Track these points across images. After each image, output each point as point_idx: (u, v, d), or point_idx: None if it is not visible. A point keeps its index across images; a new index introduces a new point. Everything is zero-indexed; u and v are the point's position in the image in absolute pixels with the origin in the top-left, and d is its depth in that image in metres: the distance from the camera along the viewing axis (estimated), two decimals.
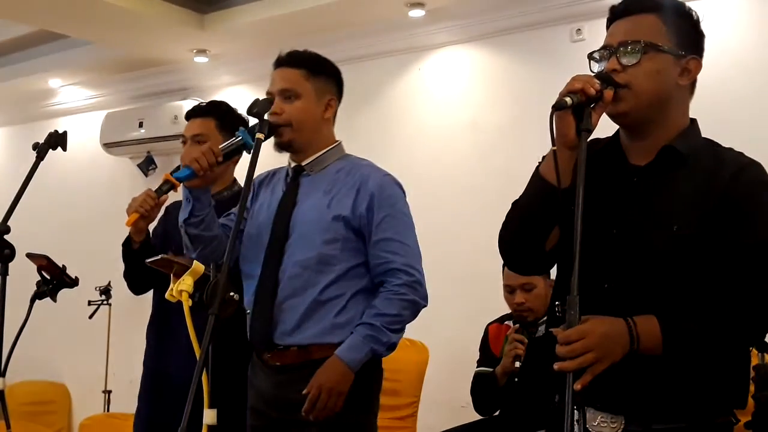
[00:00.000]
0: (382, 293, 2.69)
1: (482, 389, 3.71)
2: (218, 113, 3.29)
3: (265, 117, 2.58)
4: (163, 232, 3.31)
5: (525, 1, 4.71)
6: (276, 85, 2.76)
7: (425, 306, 2.75)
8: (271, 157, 2.79)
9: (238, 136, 2.63)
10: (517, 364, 3.45)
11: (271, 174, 2.95)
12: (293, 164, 2.84)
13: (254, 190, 2.91)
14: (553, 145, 1.88)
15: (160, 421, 3.13)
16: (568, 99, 1.83)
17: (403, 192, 2.83)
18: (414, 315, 2.74)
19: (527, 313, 3.57)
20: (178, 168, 2.69)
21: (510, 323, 3.76)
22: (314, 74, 2.79)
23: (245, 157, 2.47)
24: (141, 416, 3.30)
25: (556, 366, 1.72)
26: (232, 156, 2.70)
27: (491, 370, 3.65)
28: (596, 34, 4.36)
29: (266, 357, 2.74)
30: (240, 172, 2.77)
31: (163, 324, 3.26)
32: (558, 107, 1.84)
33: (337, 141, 2.88)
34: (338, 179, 2.77)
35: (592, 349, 1.73)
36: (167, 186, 2.69)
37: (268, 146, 2.58)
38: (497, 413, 3.79)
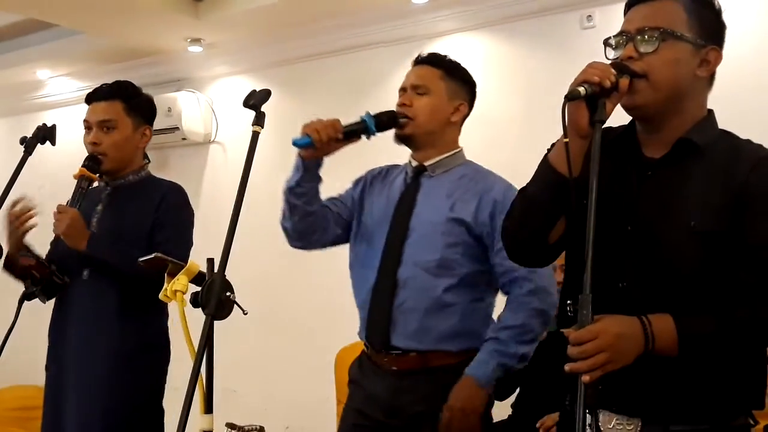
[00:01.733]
0: (507, 305, 2.73)
1: None
2: (125, 95, 3.21)
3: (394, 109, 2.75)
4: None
5: None
6: (409, 80, 2.84)
7: (553, 314, 2.71)
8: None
9: (362, 119, 2.69)
10: None
11: (386, 170, 2.99)
12: (415, 164, 2.86)
13: (365, 184, 2.97)
14: (565, 136, 1.81)
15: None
16: (581, 89, 1.79)
17: None
18: (545, 324, 2.74)
19: None
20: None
21: None
22: (450, 76, 2.85)
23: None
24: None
25: (567, 367, 1.69)
26: (350, 137, 2.72)
27: None
28: (607, 21, 4.33)
29: (383, 360, 2.74)
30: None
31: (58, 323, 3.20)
32: (571, 97, 1.80)
33: (460, 147, 2.91)
34: (461, 184, 2.79)
35: (604, 349, 1.69)
36: (356, 126, 2.71)
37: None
38: (507, 417, 3.74)
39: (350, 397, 2.88)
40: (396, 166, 2.97)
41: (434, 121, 2.80)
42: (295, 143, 2.67)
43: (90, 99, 3.22)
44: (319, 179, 2.78)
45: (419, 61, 2.88)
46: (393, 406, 2.71)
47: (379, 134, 2.73)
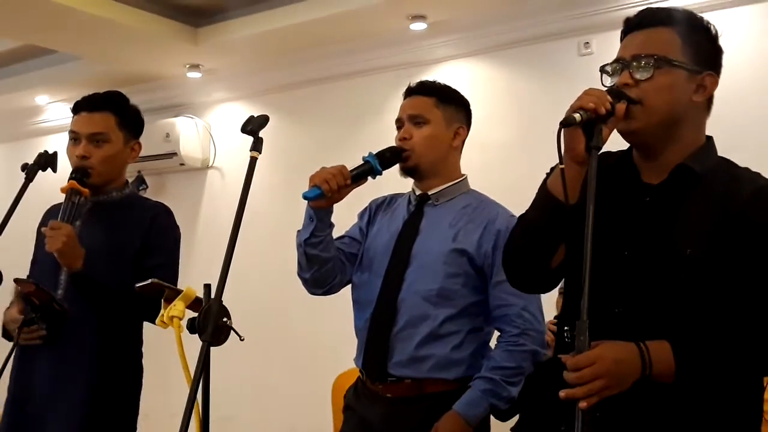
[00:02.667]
0: (500, 344, 2.71)
1: None
2: (118, 108, 3.10)
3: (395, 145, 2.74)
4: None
5: (531, 13, 4.62)
6: (405, 111, 2.83)
7: (545, 354, 2.73)
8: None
9: (366, 161, 2.68)
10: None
11: (389, 199, 2.99)
12: (418, 192, 2.86)
13: (370, 213, 2.97)
14: (561, 162, 1.81)
15: None
16: (577, 115, 1.78)
17: None
18: (534, 364, 2.71)
19: None
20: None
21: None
22: (444, 102, 2.84)
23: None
24: None
25: (563, 393, 1.67)
26: (358, 180, 2.68)
27: None
28: (605, 48, 4.34)
29: (377, 387, 2.73)
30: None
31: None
32: (566, 124, 1.79)
33: (464, 175, 2.91)
34: (465, 214, 2.78)
35: (602, 375, 1.67)
36: (362, 169, 2.67)
37: None
38: None
39: (345, 422, 2.87)
40: (400, 194, 2.96)
41: (437, 150, 2.80)
42: (306, 197, 2.62)
43: (79, 108, 3.09)
44: (331, 226, 2.76)
45: (411, 92, 2.87)
46: None
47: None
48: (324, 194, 2.59)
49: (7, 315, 2.98)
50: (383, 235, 2.85)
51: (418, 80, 2.90)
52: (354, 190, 2.68)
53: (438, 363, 2.67)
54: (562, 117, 1.80)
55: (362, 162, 2.68)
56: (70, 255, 2.83)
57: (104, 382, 2.94)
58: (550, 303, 3.60)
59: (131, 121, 3.13)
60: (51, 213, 3.13)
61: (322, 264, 2.77)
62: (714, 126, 2.02)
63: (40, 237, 3.00)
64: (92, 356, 2.92)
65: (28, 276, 3.03)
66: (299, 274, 2.83)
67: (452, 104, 2.86)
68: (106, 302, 2.91)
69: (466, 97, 2.94)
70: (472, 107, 2.95)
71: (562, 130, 1.80)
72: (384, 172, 2.73)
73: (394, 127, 2.85)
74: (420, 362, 2.67)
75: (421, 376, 2.67)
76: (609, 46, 4.04)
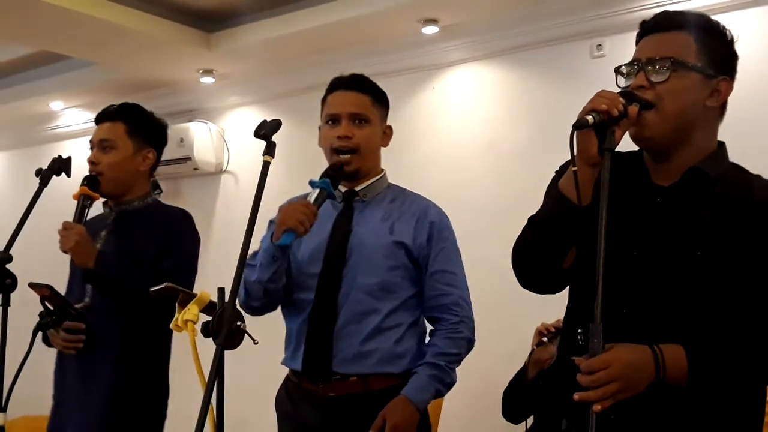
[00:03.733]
0: (440, 331, 2.72)
1: (510, 389, 3.63)
2: (128, 117, 3.20)
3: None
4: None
5: (543, 15, 4.61)
6: (346, 107, 2.76)
7: (474, 341, 2.78)
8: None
9: (319, 186, 2.59)
10: (545, 339, 3.41)
11: (297, 200, 2.83)
12: (344, 189, 2.81)
13: None
14: (573, 165, 1.81)
15: None
16: (589, 117, 1.79)
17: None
18: (468, 352, 2.77)
19: None
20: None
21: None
22: (377, 101, 2.83)
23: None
24: None
25: (576, 396, 1.68)
26: (318, 209, 2.59)
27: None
28: (617, 50, 4.33)
29: (317, 387, 2.67)
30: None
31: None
32: (579, 126, 1.79)
33: (383, 169, 2.90)
34: (394, 207, 2.78)
35: (616, 378, 1.69)
36: (322, 198, 2.60)
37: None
38: None
39: (280, 427, 2.81)
40: (304, 195, 2.81)
41: (374, 151, 2.82)
42: (283, 244, 2.53)
43: (97, 120, 3.23)
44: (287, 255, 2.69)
45: (348, 86, 2.81)
46: None
47: None
48: (299, 236, 2.53)
49: None
50: (312, 234, 2.67)
51: (351, 74, 2.85)
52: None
53: (383, 357, 2.66)
54: (574, 119, 1.80)
55: (317, 190, 2.59)
56: (81, 253, 2.94)
57: (124, 393, 3.00)
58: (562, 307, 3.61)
59: (143, 129, 3.20)
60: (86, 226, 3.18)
61: (275, 292, 2.70)
62: (724, 131, 2.02)
63: None
64: (113, 366, 2.99)
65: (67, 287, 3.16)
66: (245, 303, 2.72)
67: (384, 103, 2.86)
68: (122, 300, 2.97)
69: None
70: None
71: (575, 132, 1.80)
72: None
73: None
74: (365, 357, 2.65)
75: (367, 371, 2.64)
76: (621, 48, 4.04)
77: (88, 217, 3.08)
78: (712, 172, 1.91)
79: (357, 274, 2.69)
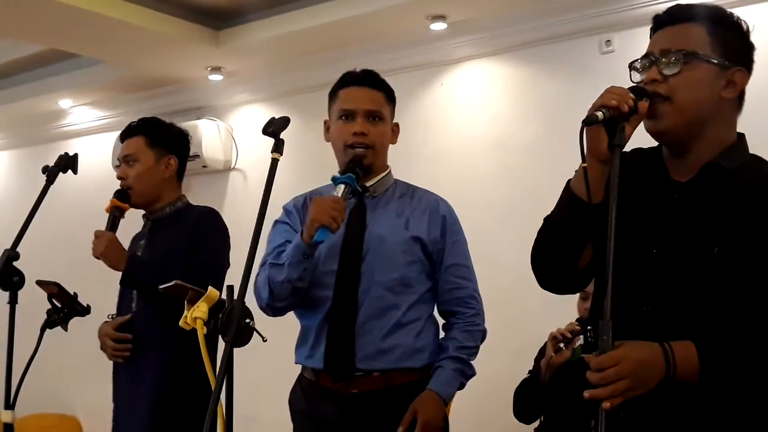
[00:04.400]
0: (458, 324, 2.76)
1: (523, 389, 3.62)
2: (147, 130, 3.34)
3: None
4: None
5: (551, 11, 4.59)
6: (362, 104, 2.76)
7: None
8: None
9: (344, 182, 2.60)
10: (562, 345, 3.36)
11: (309, 197, 2.88)
12: None
13: (300, 215, 2.84)
14: (583, 161, 1.81)
15: None
16: (599, 113, 1.78)
17: None
18: (481, 343, 2.82)
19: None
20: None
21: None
22: (389, 98, 2.85)
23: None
24: None
25: (587, 394, 1.68)
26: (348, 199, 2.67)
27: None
28: (626, 46, 4.32)
29: (339, 385, 2.67)
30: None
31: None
32: (588, 122, 1.78)
33: (389, 165, 2.91)
34: (405, 203, 2.81)
35: (625, 376, 1.68)
36: (348, 192, 2.63)
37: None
38: None
39: (296, 427, 2.80)
40: (315, 191, 2.90)
41: (386, 147, 2.83)
42: (318, 240, 2.51)
43: (121, 138, 3.39)
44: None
45: (361, 82, 2.81)
46: (352, 430, 2.66)
47: None
48: (333, 232, 2.53)
49: (102, 328, 3.26)
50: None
51: (362, 69, 2.86)
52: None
53: (405, 352, 2.68)
54: (584, 115, 1.79)
55: (342, 186, 2.59)
56: (111, 257, 3.09)
57: (169, 397, 3.11)
58: (570, 305, 3.60)
59: (161, 138, 3.34)
60: (133, 240, 3.43)
61: (303, 289, 2.69)
62: (744, 125, 2.00)
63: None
64: (157, 372, 3.10)
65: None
66: (269, 305, 2.71)
67: (394, 101, 2.88)
68: (159, 300, 2.98)
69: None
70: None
71: (585, 128, 1.80)
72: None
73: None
74: (387, 353, 2.66)
75: (389, 367, 2.66)
76: (630, 43, 4.04)
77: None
78: (729, 165, 1.89)
79: (375, 270, 2.69)
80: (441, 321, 2.88)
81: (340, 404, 2.66)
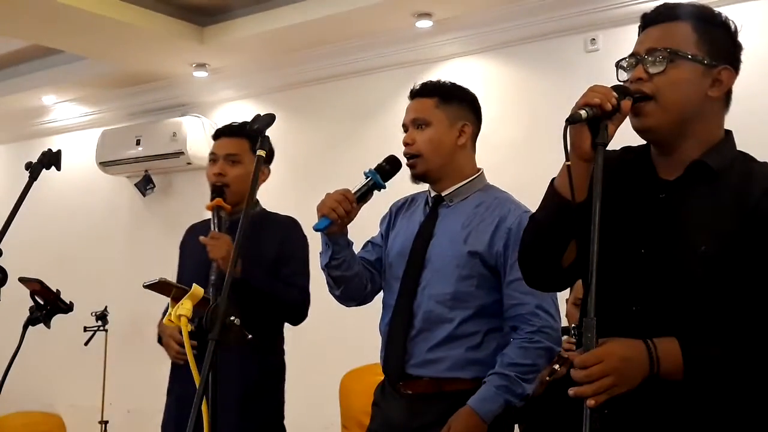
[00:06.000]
0: (515, 341, 2.68)
1: None
2: (250, 134, 3.25)
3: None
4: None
5: (536, 10, 4.61)
6: (408, 116, 2.82)
7: (559, 351, 2.78)
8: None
9: (368, 177, 2.70)
10: (556, 366, 3.31)
11: (410, 200, 2.97)
12: (433, 193, 2.84)
13: (391, 217, 2.97)
14: (567, 159, 1.80)
15: None
16: (582, 112, 1.77)
17: None
18: (549, 361, 2.76)
19: None
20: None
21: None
22: (445, 101, 2.80)
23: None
24: None
25: (571, 391, 1.67)
26: (364, 198, 2.71)
27: None
28: (611, 44, 4.33)
29: (399, 385, 2.75)
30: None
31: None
32: (572, 121, 1.78)
33: (480, 170, 2.88)
34: (478, 213, 2.76)
35: (609, 373, 1.67)
36: (366, 187, 2.70)
37: None
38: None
39: (372, 419, 2.90)
40: (420, 193, 2.95)
41: (442, 152, 2.77)
42: (317, 229, 2.68)
43: (217, 135, 3.42)
44: (349, 244, 2.79)
45: (414, 95, 2.85)
46: (409, 429, 2.70)
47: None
48: (333, 223, 2.64)
49: (166, 328, 3.17)
50: (401, 238, 2.85)
51: (423, 81, 2.87)
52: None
53: (454, 363, 2.67)
54: (568, 114, 1.79)
55: (365, 179, 2.70)
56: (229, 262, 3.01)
57: (256, 381, 3.18)
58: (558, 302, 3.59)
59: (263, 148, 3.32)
60: (195, 230, 3.44)
61: (348, 281, 2.82)
62: (732, 122, 2.00)
63: (186, 253, 3.41)
64: (243, 359, 3.02)
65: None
66: (331, 293, 2.89)
67: (454, 102, 2.82)
68: (262, 306, 3.08)
69: (467, 87, 2.91)
70: (472, 96, 2.92)
71: (569, 127, 1.79)
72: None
73: (401, 124, 2.84)
74: (434, 363, 2.68)
75: (438, 375, 2.68)
76: (615, 42, 4.04)
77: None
78: (715, 164, 1.88)
79: (431, 283, 2.72)
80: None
81: (399, 403, 2.75)
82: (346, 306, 2.96)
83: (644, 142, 2.01)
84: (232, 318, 2.10)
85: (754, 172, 1.90)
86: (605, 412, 1.69)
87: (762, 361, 1.80)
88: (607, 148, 1.87)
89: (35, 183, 2.97)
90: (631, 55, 1.94)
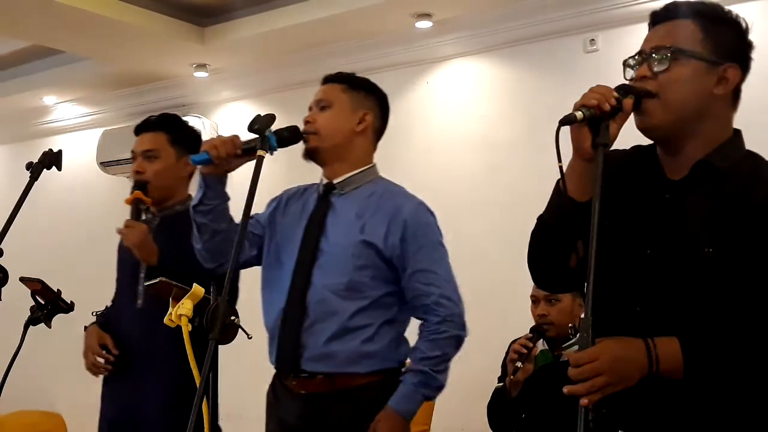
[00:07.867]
0: (423, 334, 2.69)
1: (495, 403, 3.59)
2: (169, 127, 3.31)
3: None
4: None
5: (536, 10, 4.61)
6: (315, 97, 2.84)
7: (466, 336, 2.73)
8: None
9: (266, 135, 2.54)
10: (519, 364, 3.32)
11: (302, 190, 2.92)
12: (325, 181, 2.82)
13: (280, 203, 2.90)
14: (559, 160, 1.81)
15: None
16: (578, 113, 1.79)
17: (435, 218, 2.80)
18: (457, 348, 2.71)
19: (548, 326, 3.44)
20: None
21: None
22: (352, 88, 2.82)
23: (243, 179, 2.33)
24: None
25: (565, 390, 1.67)
26: (250, 153, 2.56)
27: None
28: (611, 45, 4.34)
29: (291, 384, 2.70)
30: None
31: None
32: (566, 122, 1.79)
33: (373, 162, 2.85)
34: (371, 204, 2.74)
35: (602, 372, 1.67)
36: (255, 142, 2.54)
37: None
38: None
39: (267, 422, 2.84)
40: (313, 184, 2.91)
41: (338, 133, 2.75)
42: (193, 161, 2.63)
43: (137, 130, 3.33)
44: (224, 197, 2.71)
45: (325, 80, 2.87)
46: (303, 431, 2.68)
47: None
48: (211, 160, 2.55)
49: (90, 335, 3.26)
50: (293, 227, 2.78)
51: (338, 68, 2.91)
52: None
53: (349, 357, 2.64)
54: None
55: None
56: (145, 249, 3.03)
57: (181, 394, 3.01)
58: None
59: (183, 138, 3.32)
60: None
61: (211, 234, 2.70)
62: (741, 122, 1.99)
63: (122, 255, 3.29)
64: (169, 367, 3.01)
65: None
66: (194, 245, 2.78)
67: (361, 91, 2.83)
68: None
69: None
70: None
71: (566, 127, 1.79)
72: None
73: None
74: (330, 357, 2.64)
75: (333, 370, 2.64)
76: (614, 43, 4.04)
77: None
78: (721, 164, 1.87)
79: (325, 272, 2.68)
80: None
81: (293, 404, 2.69)
82: (204, 266, 2.78)
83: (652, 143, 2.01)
84: (232, 317, 2.11)
85: (760, 173, 1.89)
86: (603, 411, 1.69)
87: (762, 362, 1.80)
88: (616, 147, 1.89)
89: (36, 183, 2.97)
90: (638, 53, 1.94)
